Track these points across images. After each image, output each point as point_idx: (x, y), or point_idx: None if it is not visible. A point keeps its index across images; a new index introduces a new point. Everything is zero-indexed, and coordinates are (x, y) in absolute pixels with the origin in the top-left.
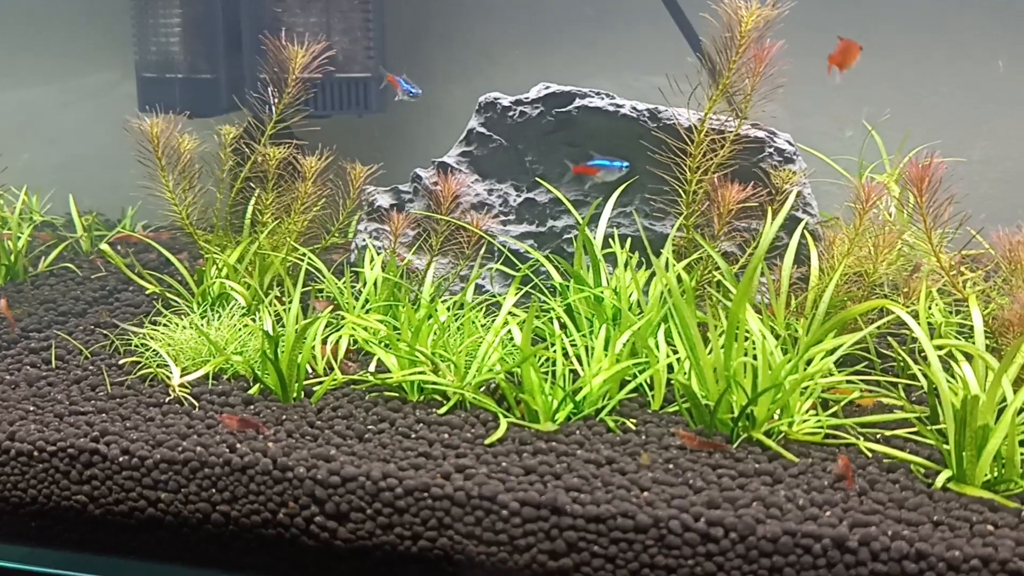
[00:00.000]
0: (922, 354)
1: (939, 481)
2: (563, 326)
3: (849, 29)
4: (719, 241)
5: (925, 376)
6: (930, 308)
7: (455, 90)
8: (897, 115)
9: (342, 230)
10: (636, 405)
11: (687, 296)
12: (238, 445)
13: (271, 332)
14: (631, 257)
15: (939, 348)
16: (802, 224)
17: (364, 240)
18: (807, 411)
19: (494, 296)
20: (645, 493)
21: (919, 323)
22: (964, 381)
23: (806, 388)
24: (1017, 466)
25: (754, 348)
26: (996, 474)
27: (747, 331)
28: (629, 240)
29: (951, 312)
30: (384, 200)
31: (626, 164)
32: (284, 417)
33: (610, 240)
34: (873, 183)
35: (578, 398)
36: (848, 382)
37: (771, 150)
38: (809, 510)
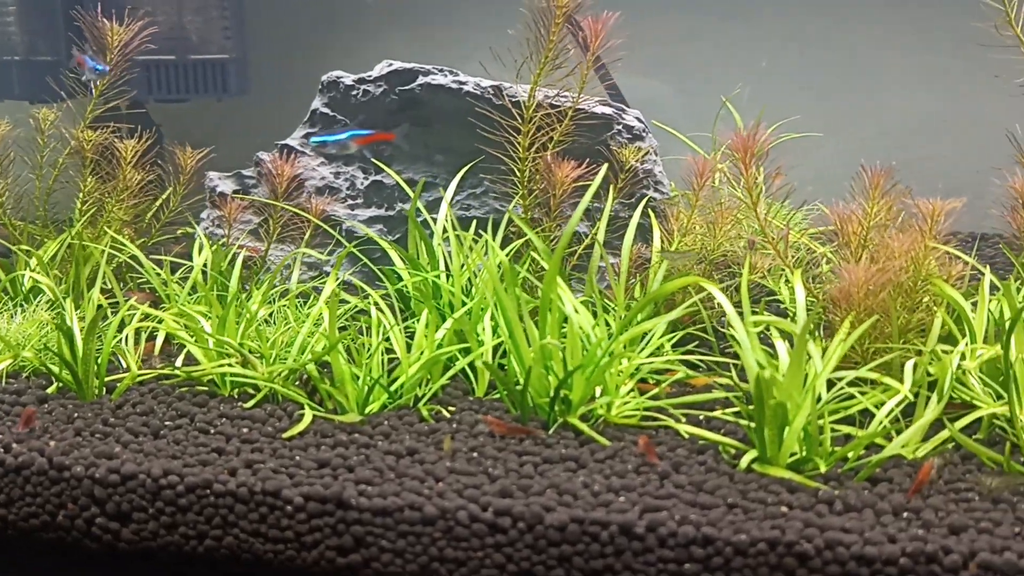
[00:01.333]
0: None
1: (743, 462)
2: (399, 312)
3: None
4: (556, 220)
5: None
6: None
7: (321, 69)
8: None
9: (185, 220)
10: (460, 392)
11: (506, 277)
12: (14, 445)
13: (70, 326)
14: (478, 239)
15: (757, 325)
16: (644, 202)
17: (208, 228)
18: (627, 394)
19: (340, 282)
20: (439, 484)
21: (731, 299)
22: (764, 360)
23: (635, 370)
24: (827, 445)
25: (574, 329)
26: (803, 454)
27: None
28: (475, 222)
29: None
30: (226, 186)
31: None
32: (76, 415)
33: (453, 224)
34: (704, 159)
35: (393, 388)
36: (686, 363)
37: (620, 127)
38: (603, 496)
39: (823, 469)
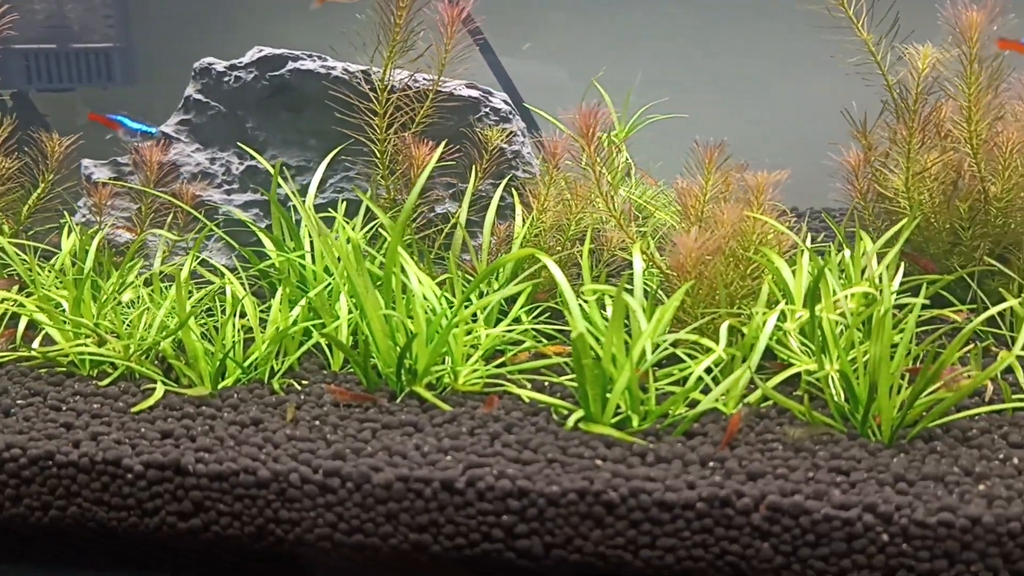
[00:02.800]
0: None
1: (570, 421)
2: (269, 293)
3: None
4: (419, 199)
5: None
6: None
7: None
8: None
9: (64, 207)
10: (317, 367)
11: (355, 255)
12: None
13: None
14: (349, 222)
15: (594, 293)
16: (505, 180)
17: (85, 216)
18: (474, 362)
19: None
20: (276, 450)
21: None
22: (602, 327)
23: (474, 342)
24: (651, 403)
25: (417, 303)
26: (627, 412)
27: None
28: (346, 203)
29: None
30: (102, 173)
31: (153, 131)
32: None
33: (331, 208)
34: (556, 141)
35: (248, 363)
36: (547, 337)
37: (487, 110)
38: (432, 456)
39: (646, 425)
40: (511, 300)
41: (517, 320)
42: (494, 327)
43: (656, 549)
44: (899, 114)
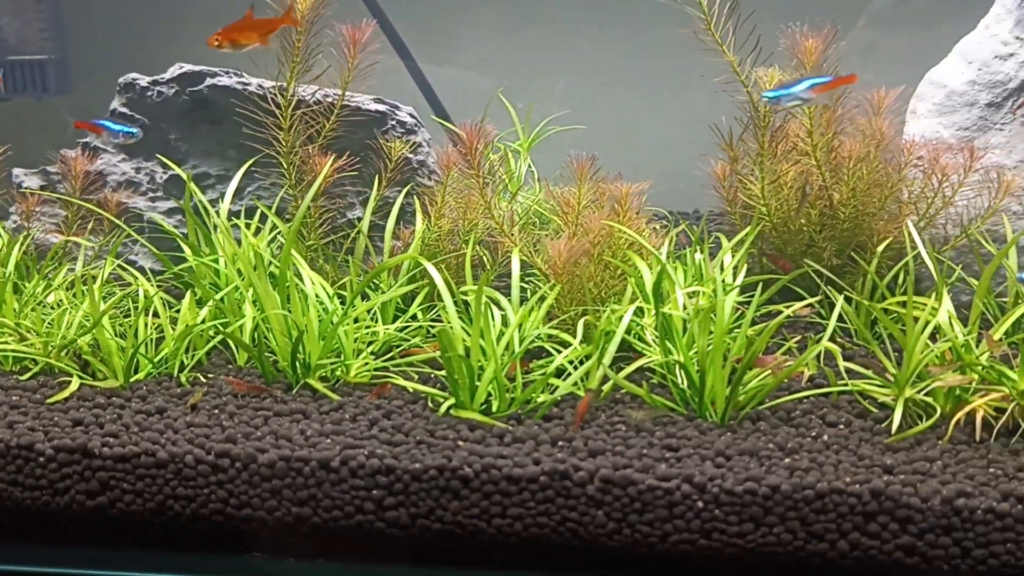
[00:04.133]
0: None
1: (443, 408)
2: (183, 294)
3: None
4: (327, 207)
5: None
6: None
7: (136, 68)
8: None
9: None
10: (224, 362)
11: (257, 260)
12: None
13: None
14: (261, 227)
15: (466, 293)
16: (407, 188)
17: (16, 222)
18: (365, 357)
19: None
20: (176, 435)
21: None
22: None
23: (367, 338)
24: (517, 391)
25: (300, 302)
26: (499, 400)
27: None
28: (259, 211)
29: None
30: (33, 181)
31: (133, 131)
32: None
33: (237, 215)
34: (447, 152)
35: (158, 358)
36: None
37: (394, 123)
38: (313, 439)
39: (512, 410)
40: (411, 298)
41: (414, 317)
42: (392, 324)
43: (506, 518)
44: (754, 129)
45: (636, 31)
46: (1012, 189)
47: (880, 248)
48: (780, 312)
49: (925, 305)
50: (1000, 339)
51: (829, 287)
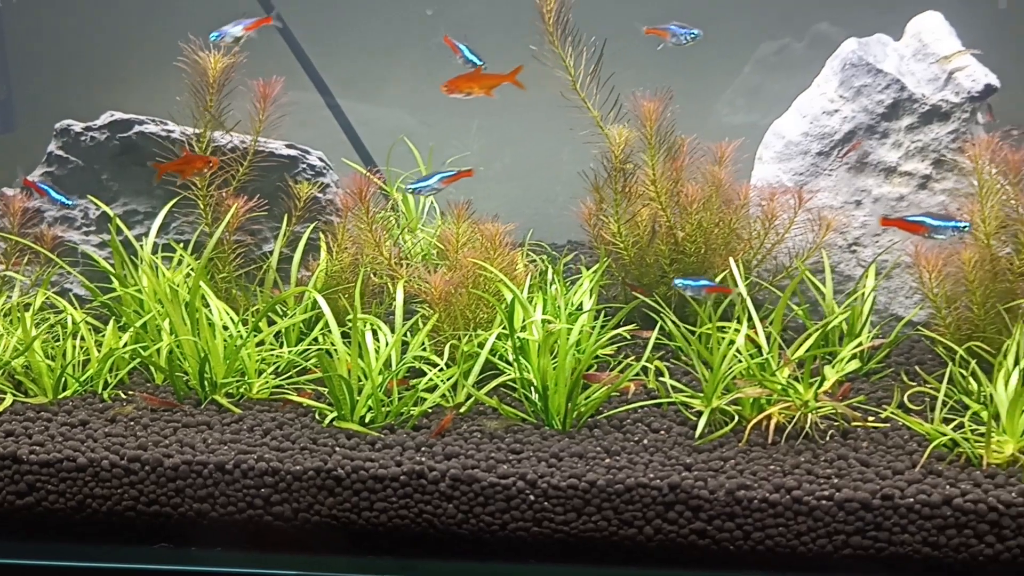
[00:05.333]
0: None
1: (327, 420)
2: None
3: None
4: (245, 243)
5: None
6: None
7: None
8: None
9: None
10: (144, 380)
11: (171, 291)
12: None
13: None
14: (185, 257)
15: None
16: (312, 226)
17: None
18: (267, 376)
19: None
20: (95, 443)
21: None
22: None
23: (273, 359)
24: (394, 405)
25: (220, 329)
26: (376, 412)
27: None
28: (182, 245)
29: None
30: None
31: (70, 203)
32: None
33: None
34: (345, 194)
35: (83, 377)
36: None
37: (304, 166)
38: (213, 446)
39: (388, 421)
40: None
41: (315, 340)
42: (295, 346)
43: (373, 511)
44: (609, 177)
45: (531, 84)
46: (833, 227)
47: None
48: (636, 334)
49: (731, 328)
50: (794, 358)
51: (683, 311)
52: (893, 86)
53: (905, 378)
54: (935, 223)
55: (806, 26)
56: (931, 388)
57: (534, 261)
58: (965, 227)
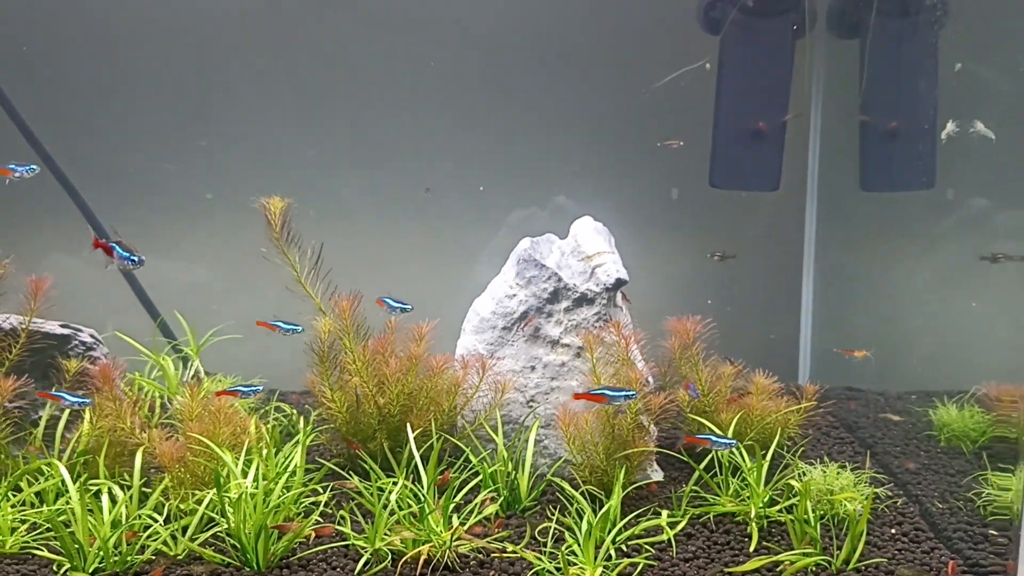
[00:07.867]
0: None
1: (61, 571)
2: None
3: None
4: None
5: None
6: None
7: None
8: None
9: None
10: None
11: None
12: None
13: None
14: None
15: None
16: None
17: None
18: (18, 533)
19: None
20: None
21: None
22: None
23: (33, 516)
24: (122, 556)
25: None
26: (106, 562)
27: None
28: None
29: None
30: None
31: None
32: None
33: None
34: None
35: None
36: None
37: (76, 343)
38: None
39: (116, 568)
40: None
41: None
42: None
43: None
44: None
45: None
46: (508, 389)
47: (414, 435)
48: (345, 485)
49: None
50: (441, 504)
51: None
52: (553, 278)
53: (550, 512)
54: (612, 394)
55: (548, 197)
56: (557, 524)
57: (269, 421)
58: (632, 395)
